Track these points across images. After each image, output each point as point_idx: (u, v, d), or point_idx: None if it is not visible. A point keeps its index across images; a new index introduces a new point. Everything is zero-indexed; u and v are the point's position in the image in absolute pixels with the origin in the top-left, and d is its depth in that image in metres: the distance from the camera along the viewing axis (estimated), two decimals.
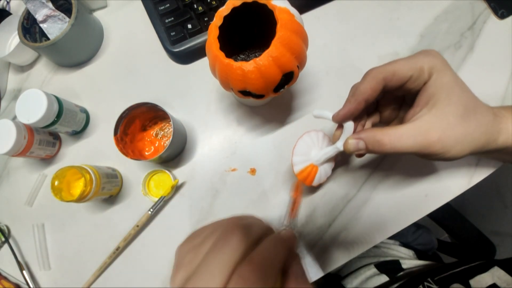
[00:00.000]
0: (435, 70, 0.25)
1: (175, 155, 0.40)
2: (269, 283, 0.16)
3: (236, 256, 0.16)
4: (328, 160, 0.31)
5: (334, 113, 0.29)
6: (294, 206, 0.28)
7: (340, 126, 0.30)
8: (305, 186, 0.32)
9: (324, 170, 0.32)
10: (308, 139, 0.32)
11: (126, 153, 0.35)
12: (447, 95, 0.25)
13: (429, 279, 0.40)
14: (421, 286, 0.40)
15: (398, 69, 0.25)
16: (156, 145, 0.40)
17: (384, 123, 0.32)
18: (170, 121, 0.35)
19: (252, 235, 0.18)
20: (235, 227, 0.18)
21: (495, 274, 0.37)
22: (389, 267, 0.50)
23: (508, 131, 0.26)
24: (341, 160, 0.38)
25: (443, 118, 0.25)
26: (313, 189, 0.38)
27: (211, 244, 0.17)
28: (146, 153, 0.40)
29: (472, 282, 0.37)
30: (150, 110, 0.37)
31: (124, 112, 0.35)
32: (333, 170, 0.34)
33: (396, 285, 0.43)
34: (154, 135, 0.41)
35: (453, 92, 0.25)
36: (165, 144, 0.40)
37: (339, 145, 0.29)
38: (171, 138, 0.34)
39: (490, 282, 0.36)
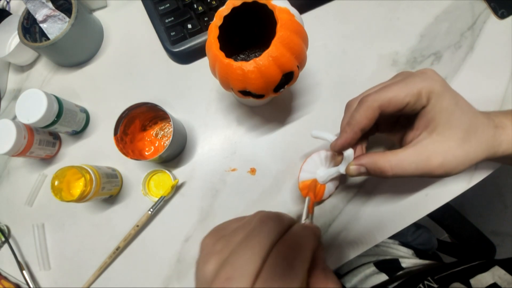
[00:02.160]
0: (434, 94, 0.24)
1: (175, 155, 0.40)
2: (305, 263, 0.17)
3: (272, 237, 0.17)
4: (332, 179, 0.33)
5: (332, 134, 0.29)
6: (310, 205, 0.30)
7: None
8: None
9: (328, 188, 0.34)
10: (317, 158, 0.33)
11: (126, 153, 0.35)
12: (447, 119, 0.24)
13: (429, 278, 0.40)
14: (421, 285, 0.40)
15: (394, 96, 0.24)
16: (156, 145, 0.40)
17: (381, 133, 0.32)
18: (170, 121, 0.35)
19: (284, 222, 0.19)
20: (267, 216, 0.19)
21: (496, 273, 0.37)
22: (389, 265, 0.50)
23: (508, 142, 0.26)
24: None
25: (443, 142, 0.24)
26: None
27: (245, 233, 0.18)
28: (146, 153, 0.40)
29: (473, 281, 0.37)
30: (150, 110, 0.37)
31: (124, 112, 0.35)
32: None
33: (396, 283, 0.43)
34: (154, 135, 0.41)
35: (453, 115, 0.24)
36: (165, 144, 0.40)
37: (341, 170, 0.29)
38: (171, 138, 0.34)
39: (490, 282, 0.36)
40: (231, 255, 0.16)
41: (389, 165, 0.25)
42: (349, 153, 0.28)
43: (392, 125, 0.31)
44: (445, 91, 0.24)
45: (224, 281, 0.15)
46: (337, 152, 0.29)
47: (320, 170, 0.33)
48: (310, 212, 0.28)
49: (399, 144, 0.30)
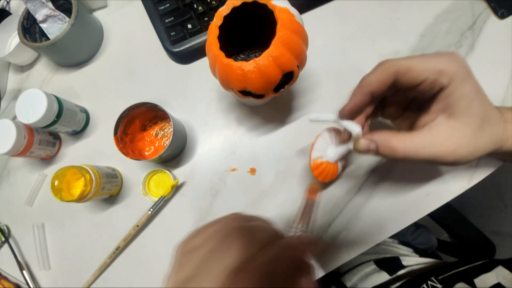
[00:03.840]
0: (457, 77, 0.23)
1: (175, 155, 0.40)
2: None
3: (234, 263, 0.15)
4: (341, 159, 0.33)
5: (334, 113, 0.28)
6: (306, 209, 0.28)
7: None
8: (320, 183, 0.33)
9: (338, 167, 0.33)
10: (327, 136, 0.33)
11: (126, 153, 0.35)
12: (467, 106, 0.24)
13: (433, 278, 0.40)
14: (424, 285, 0.40)
15: (415, 65, 0.23)
16: (156, 145, 0.40)
17: (387, 118, 0.32)
18: (170, 121, 0.35)
19: (255, 241, 0.17)
20: (236, 231, 0.17)
21: (500, 273, 0.37)
22: (389, 263, 0.50)
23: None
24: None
25: (460, 129, 0.24)
26: None
27: (211, 247, 0.16)
28: (146, 153, 0.40)
29: (477, 281, 0.37)
30: (150, 110, 0.37)
31: (124, 112, 0.35)
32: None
33: (398, 284, 0.43)
34: (154, 135, 0.41)
35: (473, 103, 0.24)
36: (165, 144, 0.40)
37: (351, 146, 0.28)
38: (171, 138, 0.34)
39: (494, 282, 0.36)
40: (193, 274, 0.16)
41: (403, 145, 0.24)
42: (357, 130, 0.27)
43: (401, 109, 0.30)
44: (468, 77, 0.24)
45: None
46: (345, 118, 0.28)
47: (330, 150, 0.32)
48: (303, 219, 0.27)
49: (408, 129, 0.29)
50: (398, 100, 0.30)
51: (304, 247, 0.18)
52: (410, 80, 0.24)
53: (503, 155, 0.27)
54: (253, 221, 0.19)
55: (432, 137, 0.24)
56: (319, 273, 0.36)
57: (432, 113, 0.25)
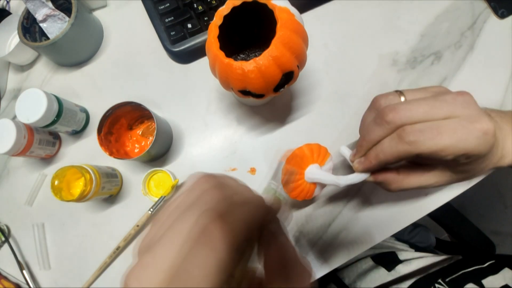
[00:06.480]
0: (478, 157, 0.22)
1: (161, 154, 0.40)
2: (236, 240, 0.14)
3: (214, 211, 0.14)
4: (319, 183, 0.31)
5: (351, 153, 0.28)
6: (281, 169, 0.28)
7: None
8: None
9: (319, 186, 0.31)
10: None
11: (110, 152, 0.35)
12: (469, 169, 0.24)
13: (440, 281, 0.40)
14: None
15: (441, 151, 0.21)
16: (142, 144, 0.40)
17: None
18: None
19: (231, 193, 0.16)
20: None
21: (506, 275, 0.37)
22: (386, 259, 0.50)
23: (508, 156, 0.26)
24: (341, 161, 0.38)
25: (453, 177, 0.26)
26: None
27: (178, 214, 0.15)
28: (136, 151, 0.40)
29: (485, 282, 0.37)
30: (135, 109, 0.37)
31: (107, 112, 0.35)
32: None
33: (406, 286, 0.43)
34: (140, 134, 0.41)
35: (476, 167, 0.24)
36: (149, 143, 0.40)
37: (341, 182, 0.27)
38: (154, 137, 0.34)
39: (502, 283, 0.36)
40: (156, 244, 0.14)
41: (398, 188, 0.27)
42: (345, 152, 0.28)
43: None
44: (487, 154, 0.23)
45: (138, 271, 0.13)
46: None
47: (313, 167, 0.30)
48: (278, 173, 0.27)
49: None
50: None
51: (274, 205, 0.19)
52: (430, 157, 0.22)
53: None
54: (221, 178, 0.19)
55: (425, 178, 0.26)
56: (319, 272, 0.36)
57: (433, 162, 0.26)
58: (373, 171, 0.27)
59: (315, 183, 0.30)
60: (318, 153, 0.30)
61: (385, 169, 0.27)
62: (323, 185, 0.32)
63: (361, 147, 0.26)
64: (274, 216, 0.18)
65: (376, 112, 0.25)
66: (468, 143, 0.21)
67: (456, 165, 0.24)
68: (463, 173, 0.25)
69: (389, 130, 0.23)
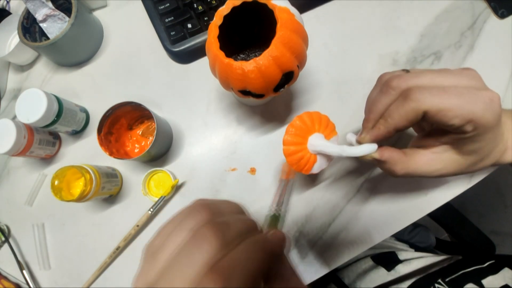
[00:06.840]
0: (483, 128, 0.21)
1: (161, 154, 0.40)
2: None
3: (209, 260, 0.14)
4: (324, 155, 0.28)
5: (354, 136, 0.27)
6: (283, 189, 0.27)
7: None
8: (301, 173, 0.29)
9: (320, 162, 0.28)
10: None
11: (110, 152, 0.35)
12: (476, 149, 0.23)
13: (440, 281, 0.40)
14: None
15: (447, 109, 0.21)
16: (142, 144, 0.40)
17: None
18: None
19: (228, 236, 0.16)
20: (208, 225, 0.16)
21: (506, 275, 0.37)
22: (386, 258, 0.50)
23: (509, 151, 0.25)
24: (341, 160, 0.38)
25: (460, 162, 0.24)
26: (313, 188, 0.38)
27: (182, 244, 0.15)
28: (136, 151, 0.40)
29: (485, 282, 0.37)
30: (135, 109, 0.37)
31: (107, 112, 0.35)
32: (333, 167, 0.33)
33: (404, 286, 0.43)
34: (140, 134, 0.41)
35: (484, 147, 0.23)
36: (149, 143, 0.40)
37: (346, 152, 0.25)
38: (154, 137, 0.34)
39: (502, 283, 0.36)
40: (162, 274, 0.15)
41: (405, 171, 0.25)
42: (351, 139, 0.26)
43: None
44: (494, 126, 0.22)
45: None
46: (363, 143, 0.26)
47: (315, 137, 0.27)
48: (281, 200, 0.25)
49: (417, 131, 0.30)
50: None
51: (278, 242, 0.18)
52: (436, 121, 0.22)
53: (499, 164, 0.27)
54: (223, 210, 0.18)
55: (431, 162, 0.25)
56: (318, 272, 0.36)
57: (439, 139, 0.25)
58: (381, 141, 0.25)
59: (315, 155, 0.28)
60: (319, 122, 0.28)
61: (391, 149, 0.26)
62: (327, 159, 0.29)
63: (367, 121, 0.25)
64: (279, 257, 0.18)
65: (381, 86, 0.25)
66: (475, 107, 0.20)
67: (463, 142, 0.23)
68: (470, 156, 0.24)
69: (395, 96, 0.22)
